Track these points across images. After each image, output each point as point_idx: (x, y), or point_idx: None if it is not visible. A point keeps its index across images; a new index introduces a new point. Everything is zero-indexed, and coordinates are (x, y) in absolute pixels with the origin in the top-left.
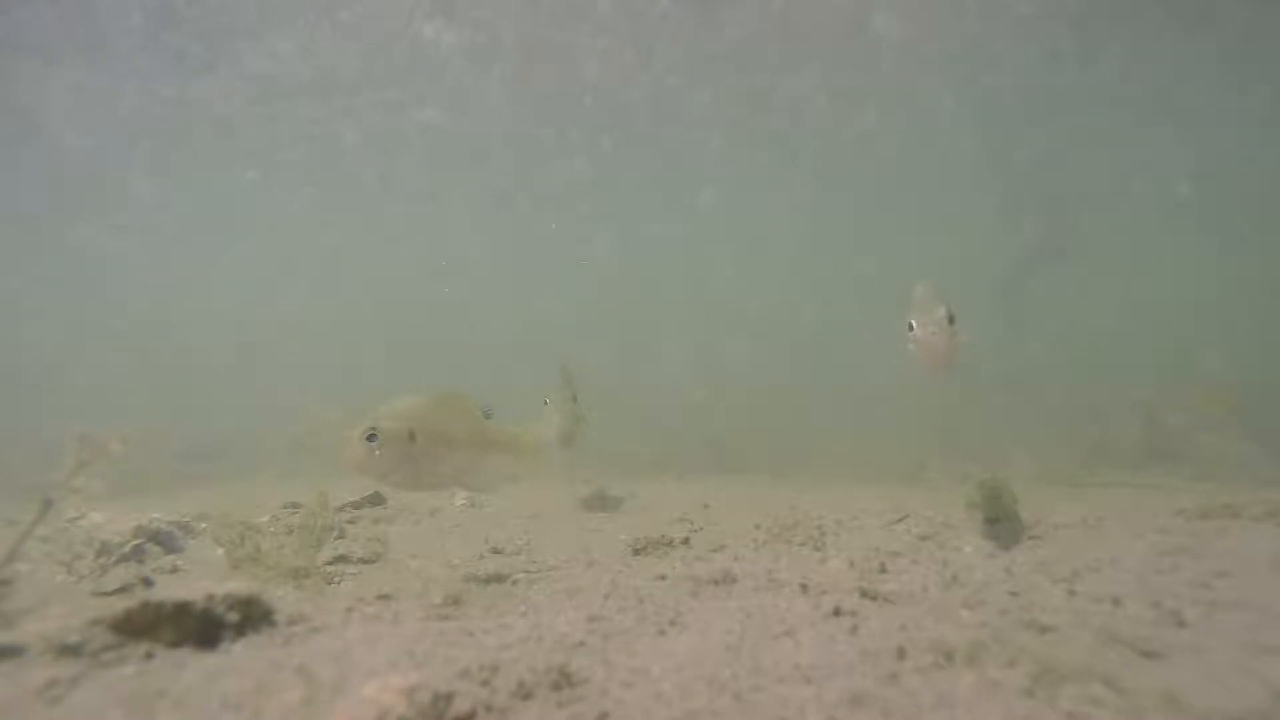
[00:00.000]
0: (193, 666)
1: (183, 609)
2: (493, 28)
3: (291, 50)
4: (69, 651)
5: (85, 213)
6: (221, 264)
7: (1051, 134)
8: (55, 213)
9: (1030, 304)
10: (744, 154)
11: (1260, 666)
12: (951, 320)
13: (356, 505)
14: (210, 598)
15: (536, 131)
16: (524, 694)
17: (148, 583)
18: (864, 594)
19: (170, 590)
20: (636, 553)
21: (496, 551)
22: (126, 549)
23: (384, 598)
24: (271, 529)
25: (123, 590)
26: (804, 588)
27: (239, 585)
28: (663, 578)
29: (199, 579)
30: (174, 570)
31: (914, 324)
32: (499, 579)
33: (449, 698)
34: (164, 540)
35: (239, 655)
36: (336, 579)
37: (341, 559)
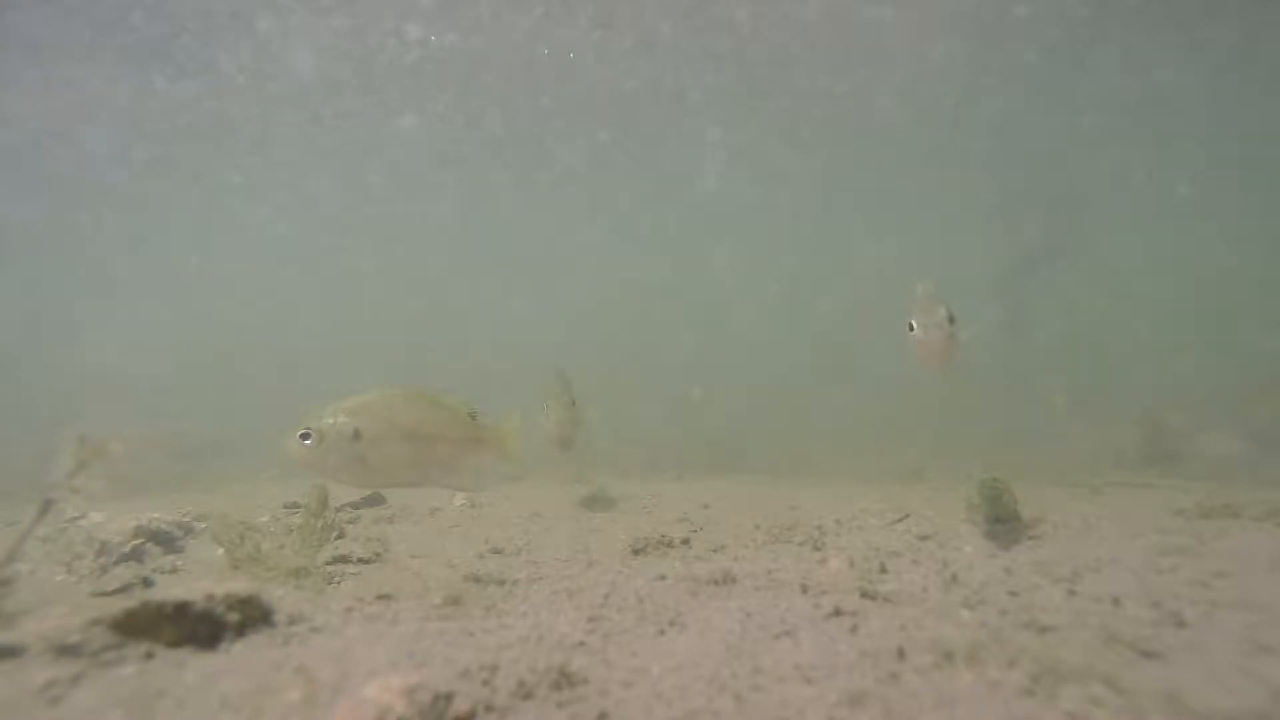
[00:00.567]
0: (193, 666)
1: (183, 609)
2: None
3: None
4: (69, 651)
5: (85, 213)
6: (219, 264)
7: (1052, 133)
8: (54, 212)
9: (1030, 304)
10: (744, 149)
11: (1260, 666)
12: (951, 320)
13: (356, 505)
14: (210, 598)
15: (535, 129)
16: (524, 694)
17: (148, 583)
18: (864, 594)
19: (170, 590)
20: (636, 553)
21: (496, 551)
22: (126, 549)
23: (384, 598)
24: (271, 529)
25: (123, 590)
26: (804, 588)
27: (239, 585)
28: (663, 578)
29: (199, 579)
30: (174, 570)
31: (914, 324)
32: (499, 579)
33: (449, 697)
34: (164, 540)
35: (239, 655)
36: (336, 579)
37: (341, 559)
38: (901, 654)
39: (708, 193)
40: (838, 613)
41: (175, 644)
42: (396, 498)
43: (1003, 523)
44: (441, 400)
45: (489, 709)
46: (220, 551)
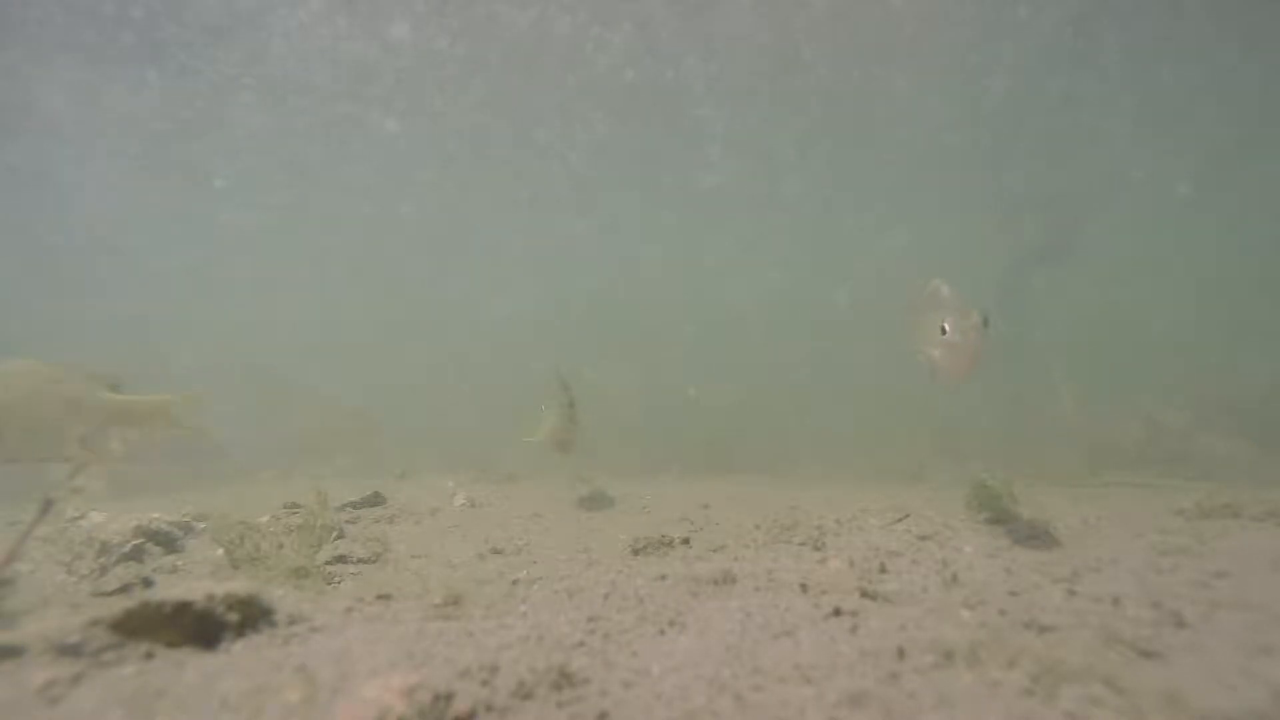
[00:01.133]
0: (193, 666)
1: (182, 609)
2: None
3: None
4: (69, 651)
5: (83, 212)
6: (218, 265)
7: (1053, 132)
8: (54, 212)
9: (1031, 303)
10: (744, 145)
11: (1260, 666)
12: (986, 324)
13: (356, 505)
14: (210, 598)
15: (532, 126)
16: (524, 694)
17: (148, 583)
18: (864, 594)
19: (170, 590)
20: (636, 553)
21: (496, 551)
22: (126, 549)
23: (384, 598)
24: (271, 529)
25: (123, 590)
26: (804, 588)
27: (239, 585)
28: (663, 578)
29: (199, 579)
30: (174, 570)
31: (947, 327)
32: (499, 579)
33: (449, 697)
34: (164, 540)
35: (239, 655)
36: (336, 579)
37: (341, 559)
38: (901, 654)
39: (708, 186)
40: (838, 613)
41: (175, 644)
42: (396, 498)
43: (1003, 523)
44: (63, 373)
45: (489, 709)
46: (220, 551)
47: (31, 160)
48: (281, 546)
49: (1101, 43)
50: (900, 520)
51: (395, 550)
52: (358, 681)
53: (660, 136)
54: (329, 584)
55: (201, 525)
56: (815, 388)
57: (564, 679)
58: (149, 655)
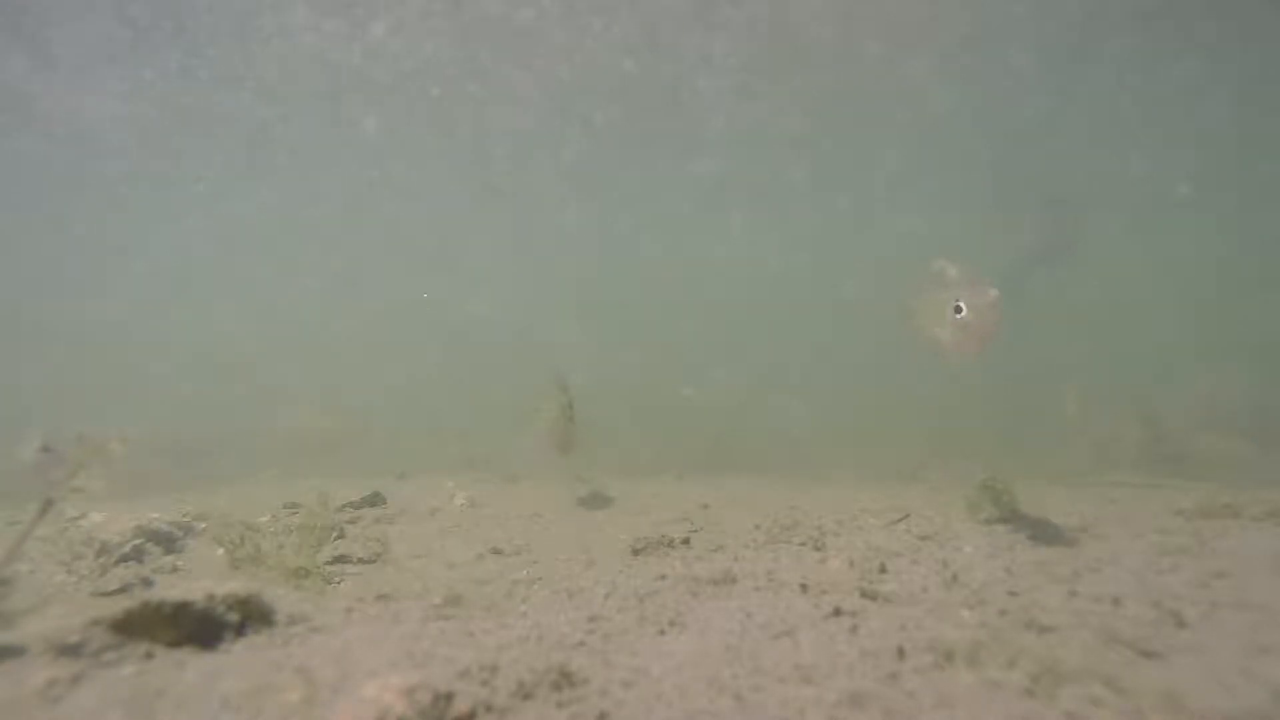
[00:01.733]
0: (193, 666)
1: (183, 609)
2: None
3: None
4: (69, 651)
5: (83, 212)
6: (218, 266)
7: (1054, 132)
8: (53, 211)
9: (1032, 302)
10: (743, 142)
11: (1260, 666)
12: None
13: (356, 505)
14: (210, 598)
15: (531, 125)
16: (524, 694)
17: (148, 583)
18: (864, 594)
19: (170, 590)
20: (636, 553)
21: (496, 551)
22: (126, 549)
23: (384, 598)
24: (271, 529)
25: (123, 590)
26: (804, 588)
27: (239, 585)
28: (663, 578)
29: (199, 579)
30: (174, 570)
31: (962, 304)
32: (499, 579)
33: (449, 698)
34: (164, 540)
35: (239, 655)
36: (336, 579)
37: (341, 559)
38: (901, 654)
39: (709, 179)
40: (838, 613)
41: (175, 644)
42: (396, 498)
43: (1003, 523)
44: None
45: (489, 709)
46: (220, 551)
47: (31, 160)
48: (282, 547)
49: (1104, 42)
50: (900, 520)
51: (395, 550)
52: (358, 681)
53: (659, 123)
54: (329, 584)
55: (201, 525)
56: (814, 388)
57: (564, 679)
58: (149, 655)
